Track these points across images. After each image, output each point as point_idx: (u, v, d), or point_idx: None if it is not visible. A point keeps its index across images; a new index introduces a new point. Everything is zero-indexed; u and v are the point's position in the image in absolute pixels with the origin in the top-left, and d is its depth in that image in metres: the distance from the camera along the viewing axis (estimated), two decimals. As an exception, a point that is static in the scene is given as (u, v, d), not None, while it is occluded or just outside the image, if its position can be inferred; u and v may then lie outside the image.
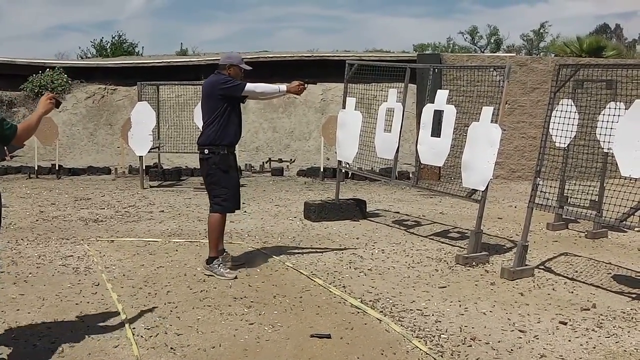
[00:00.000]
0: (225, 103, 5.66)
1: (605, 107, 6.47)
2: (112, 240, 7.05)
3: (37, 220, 8.04)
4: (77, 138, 16.11)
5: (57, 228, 7.68)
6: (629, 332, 4.52)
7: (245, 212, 8.56)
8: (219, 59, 5.97)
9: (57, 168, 12.48)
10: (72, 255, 6.34)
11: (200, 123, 10.71)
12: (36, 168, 12.36)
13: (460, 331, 4.46)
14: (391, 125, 7.69)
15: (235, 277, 5.62)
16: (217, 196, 5.75)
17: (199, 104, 10.71)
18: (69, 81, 17.26)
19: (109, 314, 4.66)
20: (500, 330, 4.49)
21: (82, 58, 30.82)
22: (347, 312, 4.80)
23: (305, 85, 5.89)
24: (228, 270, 5.72)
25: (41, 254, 6.37)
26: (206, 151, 5.67)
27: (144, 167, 11.50)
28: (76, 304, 4.88)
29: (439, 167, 8.32)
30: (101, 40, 32.37)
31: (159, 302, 4.96)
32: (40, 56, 20.10)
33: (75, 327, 4.39)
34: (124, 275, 5.69)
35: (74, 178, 12.40)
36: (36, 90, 16.60)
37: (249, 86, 5.67)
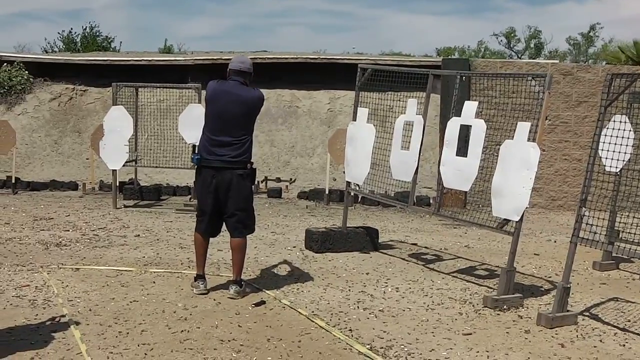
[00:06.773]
0: None
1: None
2: (77, 269, 7.06)
3: (-12, 243, 8.07)
4: (39, 147, 16.18)
5: (11, 252, 7.70)
6: (688, 393, 4.51)
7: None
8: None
9: (13, 181, 12.52)
10: (28, 285, 6.35)
11: (188, 133, 10.68)
12: (-12, 181, 12.41)
13: (488, 387, 4.46)
14: (409, 142, 7.71)
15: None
16: (253, 217, 6.33)
17: (185, 110, 10.86)
18: (31, 79, 17.35)
19: (70, 356, 4.65)
20: (536, 388, 4.49)
21: (47, 52, 31.01)
22: (353, 361, 4.79)
23: None
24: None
25: (-7, 282, 6.39)
26: (249, 166, 6.11)
27: (117, 184, 11.53)
28: (32, 343, 4.87)
29: (465, 192, 8.33)
30: (70, 32, 32.57)
31: (131, 343, 4.95)
32: (-4, 48, 20.25)
33: (31, 370, 4.39)
34: (90, 310, 5.69)
35: (33, 194, 12.45)
36: (-9, 88, 16.69)
37: None
